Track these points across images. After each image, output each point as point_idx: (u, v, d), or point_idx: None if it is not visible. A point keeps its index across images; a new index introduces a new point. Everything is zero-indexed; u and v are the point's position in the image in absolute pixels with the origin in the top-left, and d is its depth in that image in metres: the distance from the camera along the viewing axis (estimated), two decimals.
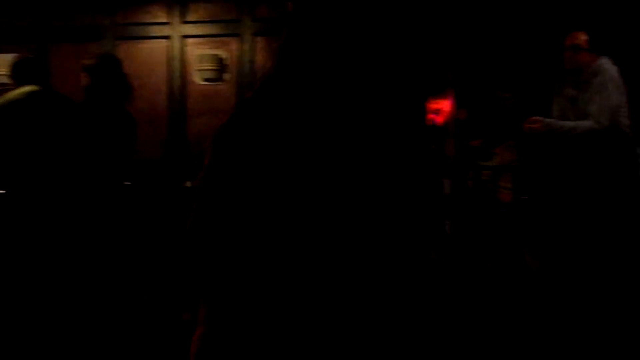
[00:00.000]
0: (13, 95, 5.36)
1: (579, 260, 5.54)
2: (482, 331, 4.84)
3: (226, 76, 8.13)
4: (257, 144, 1.63)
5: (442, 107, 5.98)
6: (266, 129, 1.64)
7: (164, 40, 8.21)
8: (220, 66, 8.08)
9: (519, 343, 4.71)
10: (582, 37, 5.30)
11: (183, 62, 8.23)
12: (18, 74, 5.42)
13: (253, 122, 1.67)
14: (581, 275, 5.49)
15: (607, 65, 5.23)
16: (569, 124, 5.24)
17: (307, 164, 1.64)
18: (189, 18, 8.19)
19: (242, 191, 1.62)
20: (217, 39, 8.19)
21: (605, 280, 5.26)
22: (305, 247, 1.62)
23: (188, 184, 7.02)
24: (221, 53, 8.13)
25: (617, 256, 5.26)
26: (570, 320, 4.99)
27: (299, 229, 1.62)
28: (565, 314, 5.13)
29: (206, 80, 8.09)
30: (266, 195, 1.61)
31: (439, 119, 6.05)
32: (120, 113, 5.54)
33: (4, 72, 5.96)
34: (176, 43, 8.17)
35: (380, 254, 1.67)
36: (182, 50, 8.22)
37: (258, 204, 1.61)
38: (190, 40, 8.19)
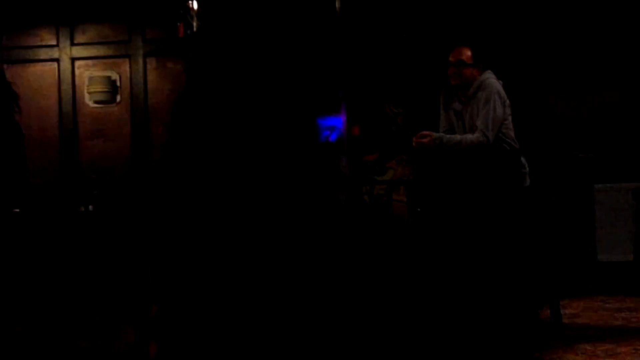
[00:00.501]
0: None
1: (468, 267, 5.54)
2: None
3: (118, 97, 7.92)
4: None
5: (335, 123, 5.89)
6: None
7: (53, 62, 8.04)
8: (112, 87, 7.88)
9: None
10: (467, 53, 5.22)
11: (73, 85, 8.15)
12: None
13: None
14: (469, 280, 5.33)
15: (490, 79, 5.15)
16: (456, 137, 5.15)
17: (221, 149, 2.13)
18: (78, 40, 8.08)
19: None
20: (108, 60, 8.06)
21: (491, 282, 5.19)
22: (222, 199, 2.17)
23: (82, 208, 6.24)
24: (112, 74, 7.96)
25: (502, 259, 5.19)
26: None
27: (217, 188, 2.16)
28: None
29: (97, 102, 7.91)
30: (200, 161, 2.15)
31: (333, 136, 5.89)
32: (5, 122, 5.53)
33: None
34: (66, 65, 8.05)
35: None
36: (72, 73, 8.07)
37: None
38: (80, 62, 8.11)
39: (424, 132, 5.18)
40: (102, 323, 5.36)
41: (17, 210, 5.41)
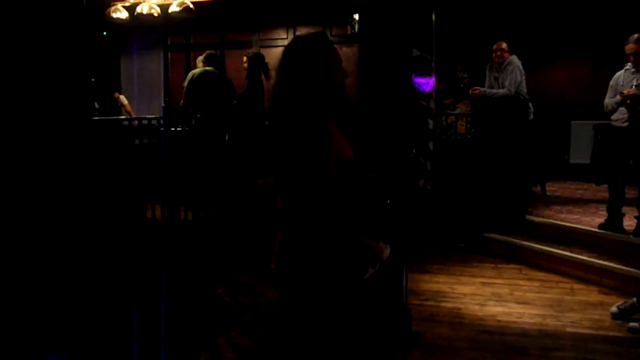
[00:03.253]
0: (199, 70, 6.30)
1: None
2: None
3: None
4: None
5: (431, 83, 6.22)
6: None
7: (284, 47, 9.45)
8: None
9: None
10: (504, 44, 5.89)
11: None
12: (208, 61, 6.37)
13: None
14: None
15: (514, 59, 5.83)
16: (492, 91, 5.88)
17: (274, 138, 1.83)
18: (298, 35, 9.32)
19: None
20: None
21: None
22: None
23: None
24: None
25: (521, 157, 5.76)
26: None
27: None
28: None
29: None
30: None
31: (427, 88, 6.23)
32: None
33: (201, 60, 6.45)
34: None
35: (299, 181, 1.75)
36: None
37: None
38: None
39: (476, 87, 6.00)
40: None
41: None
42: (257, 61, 6.54)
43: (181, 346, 3.25)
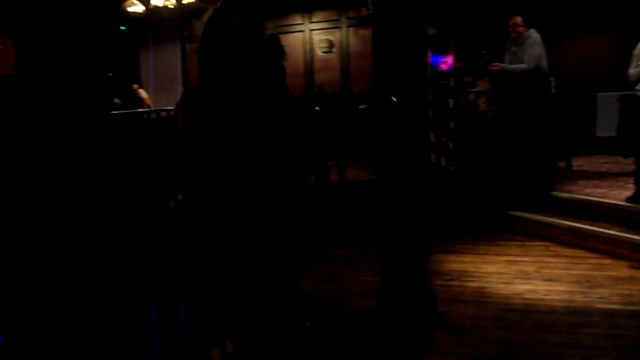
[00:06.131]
0: None
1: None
2: None
3: (334, 50, 9.23)
4: (200, 106, 1.87)
5: (449, 60, 6.03)
6: (203, 99, 1.87)
7: (300, 33, 9.31)
8: (330, 45, 9.18)
9: None
10: (518, 19, 5.85)
11: (310, 44, 9.31)
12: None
13: (196, 96, 1.89)
14: None
15: (534, 33, 5.74)
16: (512, 66, 5.84)
17: (225, 115, 1.86)
18: (313, 20, 9.31)
19: (198, 128, 1.85)
20: (328, 30, 9.21)
21: None
22: (233, 151, 1.84)
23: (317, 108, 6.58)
24: (331, 37, 9.24)
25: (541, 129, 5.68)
26: None
27: (229, 144, 1.83)
28: None
29: (323, 52, 9.30)
30: (209, 130, 1.84)
31: (446, 67, 6.00)
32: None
33: None
34: (307, 34, 9.35)
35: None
36: (310, 38, 9.27)
37: (207, 134, 1.84)
38: (314, 32, 9.33)
39: (495, 64, 5.98)
40: None
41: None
42: (272, 44, 6.44)
43: (201, 337, 3.25)
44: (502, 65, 5.93)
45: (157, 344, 2.76)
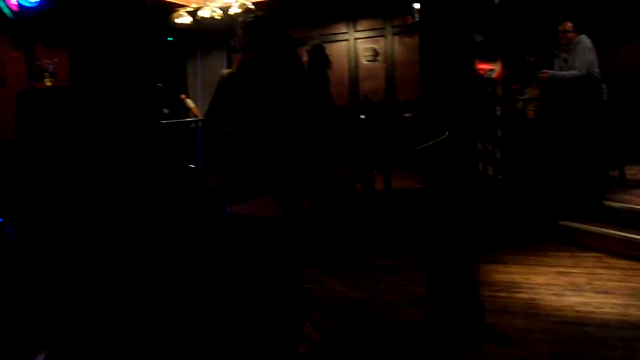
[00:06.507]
0: None
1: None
2: None
3: (378, 58, 9.15)
4: (235, 87, 2.23)
5: (497, 69, 5.24)
6: (238, 82, 2.24)
7: (345, 41, 9.28)
8: (375, 53, 9.12)
9: None
10: (569, 24, 5.71)
11: (355, 52, 9.27)
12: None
13: (233, 80, 2.25)
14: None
15: (584, 39, 5.60)
16: (562, 73, 5.72)
17: (247, 96, 2.22)
18: (357, 29, 9.26)
19: (229, 104, 2.20)
20: (373, 38, 9.17)
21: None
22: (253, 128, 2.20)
23: (362, 116, 6.49)
24: (375, 46, 9.20)
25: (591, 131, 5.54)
26: None
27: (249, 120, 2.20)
28: None
29: (368, 61, 9.23)
30: (237, 107, 2.20)
31: (495, 76, 5.29)
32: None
33: None
34: (351, 42, 9.30)
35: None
36: (355, 46, 9.23)
37: (234, 109, 2.21)
38: (358, 40, 9.25)
39: (544, 70, 5.84)
40: None
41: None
42: (317, 53, 6.43)
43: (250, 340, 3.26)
44: (552, 72, 5.84)
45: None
